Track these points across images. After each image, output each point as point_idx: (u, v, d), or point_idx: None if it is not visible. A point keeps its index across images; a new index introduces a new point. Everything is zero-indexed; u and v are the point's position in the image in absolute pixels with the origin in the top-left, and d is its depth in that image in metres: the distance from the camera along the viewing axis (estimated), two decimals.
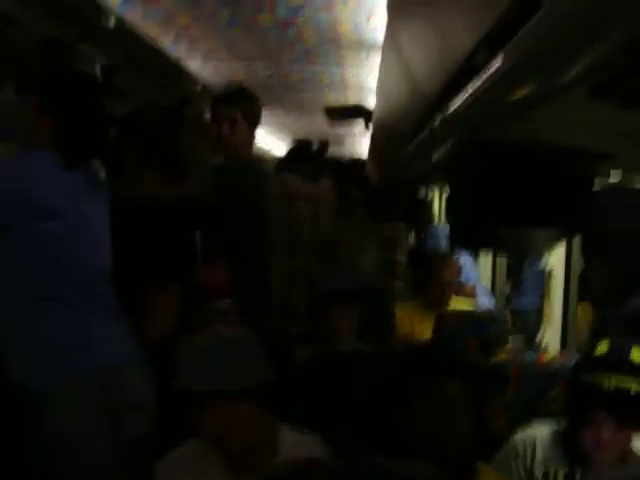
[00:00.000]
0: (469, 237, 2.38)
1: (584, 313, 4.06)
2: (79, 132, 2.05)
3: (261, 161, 3.36)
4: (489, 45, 1.18)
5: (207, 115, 3.00)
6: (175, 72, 3.94)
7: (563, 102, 1.14)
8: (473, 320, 3.21)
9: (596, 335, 2.72)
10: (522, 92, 1.12)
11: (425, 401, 1.80)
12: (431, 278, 3.68)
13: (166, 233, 2.34)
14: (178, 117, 2.83)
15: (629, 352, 1.70)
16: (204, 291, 2.49)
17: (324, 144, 5.50)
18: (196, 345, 1.72)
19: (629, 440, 1.70)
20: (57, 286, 1.95)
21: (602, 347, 1.76)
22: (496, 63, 1.12)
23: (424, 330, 3.71)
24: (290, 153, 4.48)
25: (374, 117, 4.99)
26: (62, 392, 1.90)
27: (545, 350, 3.44)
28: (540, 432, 1.84)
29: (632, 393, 1.63)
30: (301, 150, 4.48)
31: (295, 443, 1.68)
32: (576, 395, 1.76)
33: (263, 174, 3.14)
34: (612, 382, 1.67)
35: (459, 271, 4.43)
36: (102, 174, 2.18)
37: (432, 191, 6.06)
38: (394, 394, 1.83)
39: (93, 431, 1.91)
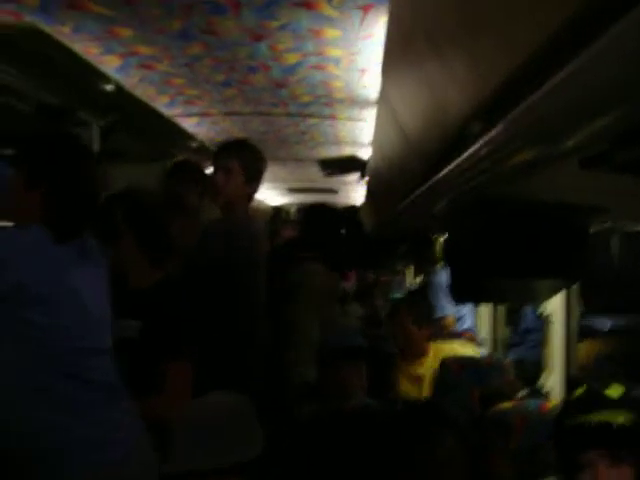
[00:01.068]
0: (469, 289, 2.40)
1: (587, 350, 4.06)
2: (69, 204, 1.99)
3: (253, 220, 3.40)
4: (484, 116, 1.21)
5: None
6: (171, 132, 3.99)
7: (557, 169, 1.17)
8: (476, 367, 3.22)
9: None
10: (516, 161, 1.15)
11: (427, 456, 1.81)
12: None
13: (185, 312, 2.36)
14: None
15: (604, 390, 1.76)
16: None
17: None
18: (186, 421, 1.71)
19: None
20: (47, 375, 1.85)
21: (579, 390, 1.81)
22: (491, 134, 1.15)
23: (404, 384, 3.71)
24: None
25: (370, 169, 5.04)
26: None
27: (548, 397, 3.43)
28: None
29: (615, 427, 1.65)
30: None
31: None
32: (563, 442, 1.78)
33: (255, 235, 3.16)
34: (594, 418, 1.70)
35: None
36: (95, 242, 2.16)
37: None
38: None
39: None
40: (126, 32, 2.38)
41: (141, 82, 3.09)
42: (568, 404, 1.86)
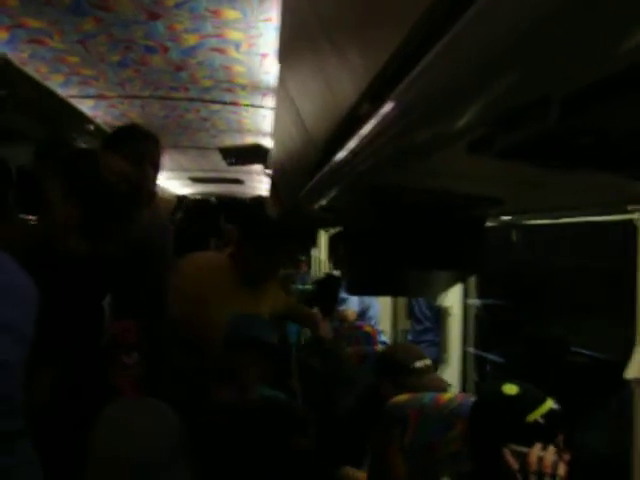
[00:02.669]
0: (363, 281, 2.38)
1: None
2: None
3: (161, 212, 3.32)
4: (373, 97, 1.19)
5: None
6: (66, 113, 3.83)
7: (447, 154, 1.15)
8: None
9: None
10: (405, 143, 1.13)
11: None
12: None
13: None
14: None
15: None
16: (115, 345, 2.43)
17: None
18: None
19: None
20: None
21: (513, 390, 1.90)
22: (378, 115, 1.12)
23: None
24: None
25: (271, 158, 4.99)
26: None
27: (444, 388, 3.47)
28: None
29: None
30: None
31: None
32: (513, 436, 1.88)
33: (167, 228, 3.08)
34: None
35: None
36: None
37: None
38: None
39: None
40: (11, 2, 2.25)
41: (31, 58, 2.94)
42: (509, 402, 1.93)
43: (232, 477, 2.37)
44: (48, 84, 3.38)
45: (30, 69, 3.09)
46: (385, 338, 4.83)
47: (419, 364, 2.83)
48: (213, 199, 8.91)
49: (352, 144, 1.42)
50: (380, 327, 5.10)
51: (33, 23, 2.48)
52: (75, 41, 2.72)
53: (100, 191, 2.20)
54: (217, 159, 5.71)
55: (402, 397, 2.62)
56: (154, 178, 2.97)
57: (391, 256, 2.06)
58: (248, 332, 2.64)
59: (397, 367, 2.85)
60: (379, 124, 1.14)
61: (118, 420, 1.81)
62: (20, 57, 2.89)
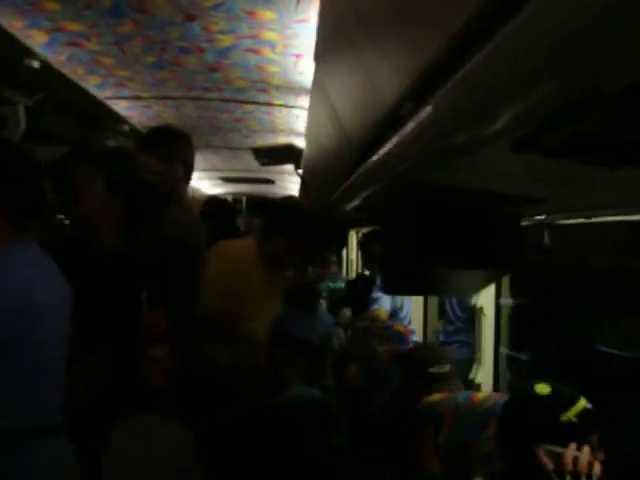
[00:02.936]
0: (398, 280, 2.38)
1: None
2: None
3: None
4: (416, 96, 1.19)
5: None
6: (102, 114, 3.88)
7: (489, 152, 1.16)
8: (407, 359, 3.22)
9: None
10: (447, 143, 1.13)
11: None
12: None
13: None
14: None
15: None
16: (146, 337, 2.44)
17: None
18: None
19: None
20: None
21: (544, 389, 1.88)
22: (422, 114, 1.13)
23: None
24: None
25: (304, 159, 5.00)
26: None
27: (478, 389, 3.46)
28: None
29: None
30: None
31: None
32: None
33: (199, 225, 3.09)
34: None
35: None
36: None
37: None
38: None
39: None
40: (52, 6, 2.29)
41: (69, 61, 2.99)
42: (542, 401, 1.92)
43: (265, 474, 2.39)
44: (84, 86, 3.42)
45: (68, 71, 3.14)
46: (417, 338, 4.82)
47: (433, 370, 2.81)
48: (229, 198, 8.94)
49: (392, 143, 1.42)
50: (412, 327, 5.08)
51: (72, 26, 2.51)
52: (112, 43, 2.75)
53: (141, 190, 2.23)
54: (248, 159, 5.74)
55: (436, 396, 2.62)
56: (187, 179, 2.99)
57: (426, 254, 2.06)
58: (293, 331, 2.66)
59: (413, 369, 2.85)
60: (422, 123, 1.14)
61: (127, 444, 1.83)
62: (58, 60, 2.94)
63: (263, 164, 5.67)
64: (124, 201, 2.23)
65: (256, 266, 3.21)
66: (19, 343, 1.78)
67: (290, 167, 5.88)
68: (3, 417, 1.80)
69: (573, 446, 1.76)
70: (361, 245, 5.98)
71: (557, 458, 1.77)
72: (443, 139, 1.12)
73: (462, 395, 2.54)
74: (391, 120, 1.42)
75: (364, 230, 6.12)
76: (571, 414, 1.85)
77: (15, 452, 1.81)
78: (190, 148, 2.98)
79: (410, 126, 1.22)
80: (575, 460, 1.74)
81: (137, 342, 2.31)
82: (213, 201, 4.86)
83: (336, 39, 1.85)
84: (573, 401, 1.88)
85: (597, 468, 1.74)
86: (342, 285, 6.64)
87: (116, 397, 2.09)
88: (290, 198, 4.38)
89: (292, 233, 3.14)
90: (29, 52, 2.74)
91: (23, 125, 3.25)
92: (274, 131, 4.66)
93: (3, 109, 3.15)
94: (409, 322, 5.17)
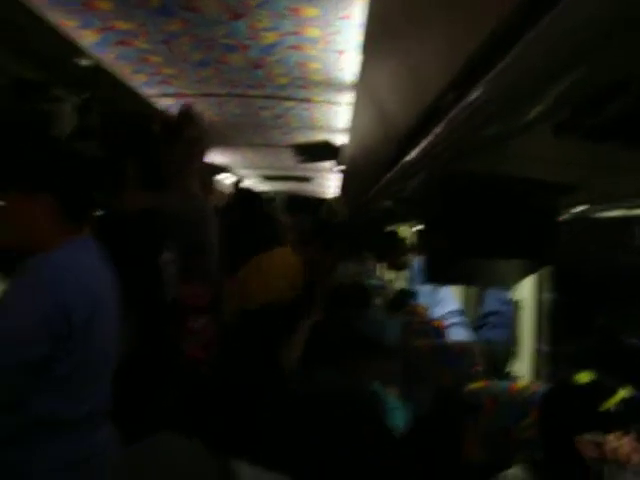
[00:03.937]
0: (441, 270, 2.42)
1: None
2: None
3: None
4: (459, 86, 1.24)
5: None
6: (146, 111, 3.97)
7: (530, 137, 1.20)
8: (446, 352, 3.26)
9: None
10: (490, 130, 1.18)
11: None
12: None
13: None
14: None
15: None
16: (184, 308, 2.46)
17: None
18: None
19: None
20: None
21: (584, 377, 1.90)
22: (465, 102, 1.18)
23: None
24: None
25: (345, 155, 5.05)
26: None
27: (517, 379, 3.49)
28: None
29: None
30: None
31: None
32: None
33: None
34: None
35: None
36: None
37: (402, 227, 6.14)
38: None
39: None
40: (105, 5, 2.38)
41: (118, 59, 3.08)
42: (582, 390, 1.94)
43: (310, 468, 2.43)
44: (131, 84, 3.52)
45: (116, 70, 3.23)
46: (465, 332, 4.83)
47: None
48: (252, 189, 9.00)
49: (436, 133, 1.47)
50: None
51: (123, 25, 2.60)
52: (160, 41, 2.84)
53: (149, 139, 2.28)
54: (286, 156, 5.80)
55: (477, 384, 2.66)
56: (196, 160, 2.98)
57: (463, 244, 2.09)
58: (372, 333, 2.71)
59: None
60: (466, 111, 1.19)
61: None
62: (108, 58, 3.03)
63: (302, 161, 5.71)
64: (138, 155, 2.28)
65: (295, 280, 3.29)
66: (76, 338, 1.85)
67: (326, 165, 5.93)
68: (71, 404, 1.87)
69: (614, 435, 1.78)
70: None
71: (598, 447, 1.78)
72: (485, 126, 1.17)
73: (502, 384, 2.58)
74: (435, 110, 1.47)
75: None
76: (612, 403, 1.86)
77: (82, 435, 1.90)
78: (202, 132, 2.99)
79: (453, 114, 1.27)
80: (616, 449, 1.76)
81: (172, 313, 2.34)
82: (241, 192, 4.88)
83: (382, 33, 1.90)
84: (613, 390, 1.90)
85: (638, 458, 1.75)
86: (379, 282, 6.67)
87: (151, 369, 2.14)
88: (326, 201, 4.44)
89: (335, 248, 3.20)
90: (79, 51, 2.84)
91: (73, 122, 3.35)
92: (313, 128, 4.72)
93: (53, 107, 3.24)
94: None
